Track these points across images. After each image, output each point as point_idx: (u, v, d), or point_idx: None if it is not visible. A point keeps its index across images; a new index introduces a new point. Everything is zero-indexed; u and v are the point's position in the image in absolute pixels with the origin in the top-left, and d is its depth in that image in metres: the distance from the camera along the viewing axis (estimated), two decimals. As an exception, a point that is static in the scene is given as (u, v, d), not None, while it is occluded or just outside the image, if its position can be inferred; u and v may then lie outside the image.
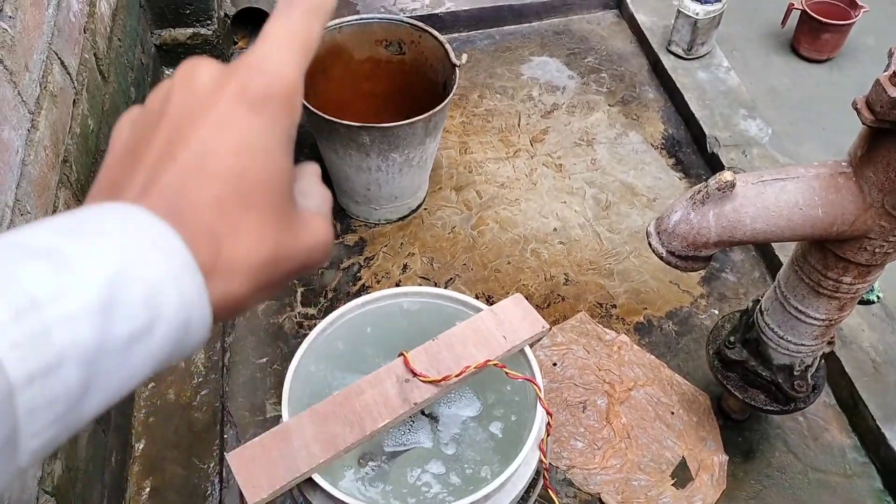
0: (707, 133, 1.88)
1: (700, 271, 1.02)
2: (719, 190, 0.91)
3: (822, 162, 0.96)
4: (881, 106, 0.83)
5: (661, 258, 0.99)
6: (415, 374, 0.98)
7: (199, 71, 0.34)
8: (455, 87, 1.55)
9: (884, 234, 0.94)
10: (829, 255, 1.01)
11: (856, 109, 0.86)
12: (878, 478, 1.38)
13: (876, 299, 1.53)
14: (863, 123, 0.86)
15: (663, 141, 1.97)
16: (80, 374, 0.27)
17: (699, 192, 0.94)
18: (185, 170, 0.31)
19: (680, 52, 2.06)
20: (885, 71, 0.83)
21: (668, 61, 2.07)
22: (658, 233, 0.99)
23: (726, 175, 0.91)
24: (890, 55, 0.86)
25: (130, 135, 0.35)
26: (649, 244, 1.00)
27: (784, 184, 0.93)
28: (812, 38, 2.25)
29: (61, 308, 0.26)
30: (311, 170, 0.41)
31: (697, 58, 2.06)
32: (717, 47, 2.10)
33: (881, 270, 1.03)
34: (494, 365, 0.99)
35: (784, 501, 1.35)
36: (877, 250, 0.96)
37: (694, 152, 1.93)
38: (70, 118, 1.25)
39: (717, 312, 1.61)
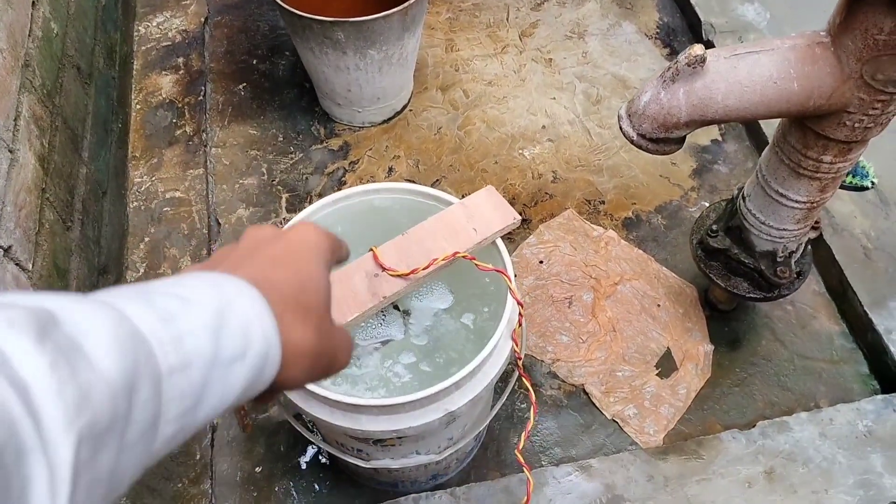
0: (702, 20, 1.80)
1: (671, 154, 0.99)
2: (689, 65, 0.87)
3: (799, 33, 0.91)
4: (857, -36, 0.77)
5: (631, 142, 0.96)
6: (384, 269, 0.97)
7: (263, 227, 0.49)
8: (432, -23, 1.48)
9: (863, 106, 0.90)
10: (808, 133, 0.98)
11: (832, -29, 0.80)
12: (864, 363, 1.38)
13: (870, 185, 1.49)
14: (839, -14, 0.80)
15: (658, 30, 1.89)
16: (201, 377, 0.34)
17: (669, 69, 0.90)
18: (262, 263, 0.44)
19: (676, -66, 1.95)
20: (864, -74, 0.78)
21: (663, -55, 1.96)
22: (629, 115, 0.95)
23: (696, 49, 0.87)
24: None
25: (214, 256, 0.47)
26: (620, 128, 0.97)
27: (758, 57, 0.89)
28: (817, -87, 2.12)
29: (189, 323, 0.35)
30: None
31: (694, -60, 1.95)
32: (716, -72, 1.99)
33: (863, 148, 1.00)
34: (463, 257, 0.98)
35: (768, 388, 1.36)
36: (856, 125, 0.92)
37: (689, 41, 1.86)
38: (30, 20, 1.21)
39: (707, 205, 1.58)
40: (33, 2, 1.24)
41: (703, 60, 0.87)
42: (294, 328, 0.41)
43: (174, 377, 0.33)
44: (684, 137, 0.97)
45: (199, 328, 0.35)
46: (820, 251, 1.46)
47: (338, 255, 0.52)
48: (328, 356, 0.44)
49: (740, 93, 0.89)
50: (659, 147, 0.96)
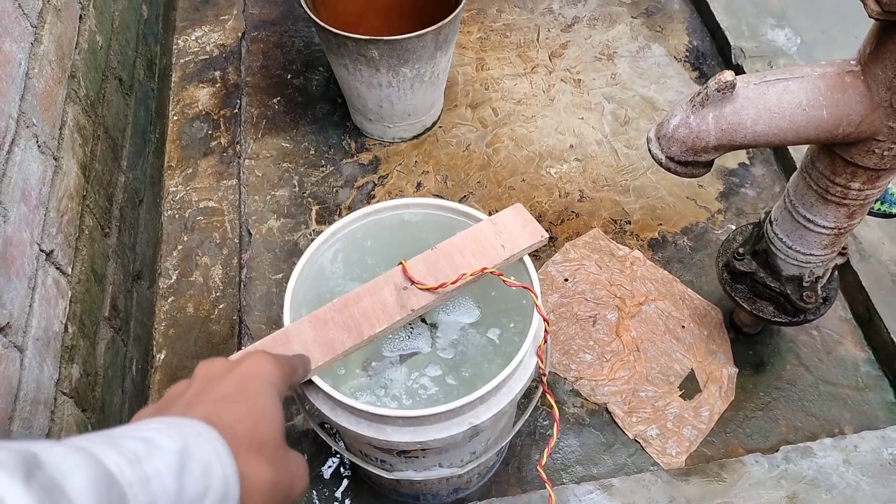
0: (732, 44, 1.81)
1: (700, 177, 1.00)
2: (719, 91, 0.89)
3: (829, 61, 0.92)
4: (888, -4, 0.78)
5: (660, 164, 0.97)
6: (412, 282, 0.99)
7: (214, 361, 0.51)
8: (465, -3, 1.51)
9: (892, 135, 0.90)
10: (836, 159, 0.99)
11: (862, 2, 0.81)
12: (890, 391, 1.37)
13: (899, 213, 1.49)
14: (869, 16, 0.82)
15: (687, 53, 1.91)
16: None
17: (699, 94, 0.91)
18: (216, 401, 0.46)
19: (707, -42, 1.96)
20: (896, -42, 0.79)
21: (694, -31, 1.98)
22: (658, 138, 0.97)
23: (726, 75, 0.88)
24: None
25: (167, 396, 0.50)
26: (649, 150, 0.99)
27: (787, 84, 0.90)
28: (850, -60, 2.12)
29: (154, 465, 0.37)
30: None
31: (726, -35, 1.97)
32: (748, -47, 2.00)
33: (892, 175, 1.00)
34: (491, 273, 0.99)
35: (793, 413, 1.35)
36: (885, 153, 0.93)
37: (719, 65, 1.87)
38: (76, 33, 1.26)
39: (734, 228, 1.58)
40: (81, 15, 1.29)
41: (733, 86, 0.88)
42: (250, 465, 0.44)
43: None
44: (712, 161, 0.98)
45: (164, 470, 0.37)
46: (847, 277, 1.45)
47: (293, 379, 0.54)
48: (285, 485, 0.47)
49: (769, 119, 0.90)
50: (687, 170, 0.97)
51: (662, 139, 0.96)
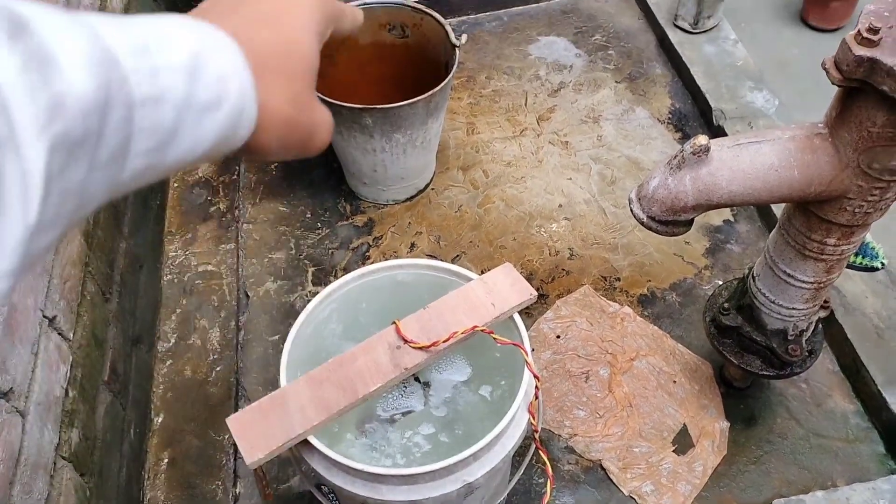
0: (713, 106, 1.89)
1: (680, 236, 1.04)
2: (694, 154, 0.93)
3: (798, 124, 0.98)
4: (847, 65, 0.84)
5: (642, 224, 1.02)
6: (406, 341, 1.02)
7: None
8: (455, 66, 1.58)
9: (862, 193, 0.95)
10: (811, 217, 1.03)
11: (825, 69, 0.87)
12: (880, 442, 1.39)
13: (881, 266, 1.53)
14: (832, 83, 0.87)
15: (670, 115, 1.98)
16: (173, 116, 0.33)
17: (675, 157, 0.96)
18: (249, 19, 0.41)
19: (686, 26, 2.06)
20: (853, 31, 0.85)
21: (674, 36, 2.07)
22: (639, 199, 1.01)
23: (700, 139, 0.93)
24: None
25: (201, 5, 0.44)
26: (631, 211, 1.03)
27: (759, 146, 0.95)
28: (821, 7, 2.23)
29: (165, 58, 0.33)
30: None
31: (704, 31, 2.06)
32: (725, 20, 2.10)
33: (865, 231, 1.04)
34: (482, 331, 1.02)
35: (785, 466, 1.36)
36: (856, 210, 0.97)
37: (700, 126, 1.94)
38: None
39: (720, 283, 1.62)
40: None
41: (707, 149, 0.93)
42: (272, 92, 0.40)
43: (147, 108, 0.32)
44: (692, 220, 1.03)
45: (175, 66, 0.33)
46: (832, 330, 1.48)
47: (338, 23, 0.48)
48: (305, 129, 0.43)
49: (744, 179, 0.95)
50: (668, 229, 1.01)
51: (643, 200, 1.00)
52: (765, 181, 0.95)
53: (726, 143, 0.96)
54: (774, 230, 1.15)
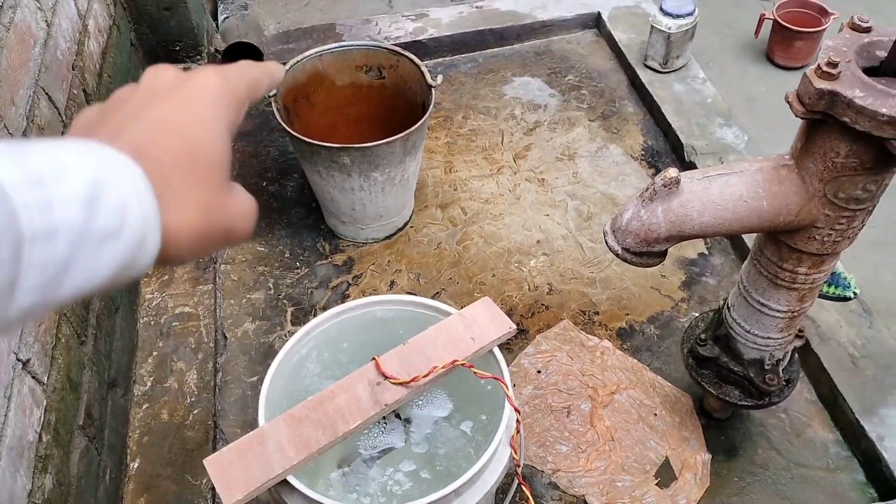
0: (684, 142, 1.93)
1: (655, 268, 1.05)
2: (665, 187, 0.95)
3: (766, 157, 1.00)
4: (809, 98, 0.87)
5: (617, 255, 1.03)
6: (386, 377, 1.02)
7: (165, 70, 0.44)
8: (431, 106, 1.61)
9: (829, 222, 0.97)
10: (782, 246, 1.05)
11: (788, 103, 0.90)
12: (860, 470, 1.39)
13: (853, 295, 1.55)
14: (795, 115, 0.90)
15: (643, 152, 2.01)
16: (66, 250, 0.32)
17: (647, 189, 0.98)
18: (149, 128, 0.39)
19: (656, 65, 2.11)
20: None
21: (645, 76, 2.12)
22: (613, 231, 1.03)
23: (671, 172, 0.95)
24: (822, 50, 0.91)
25: (97, 111, 0.42)
26: (606, 243, 1.04)
27: (728, 178, 0.97)
28: (785, 46, 2.30)
29: (61, 190, 0.31)
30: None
31: (674, 70, 2.11)
32: (693, 60, 2.15)
33: (835, 259, 1.07)
34: (462, 365, 1.02)
35: (768, 498, 1.36)
36: (825, 239, 1.00)
37: (673, 162, 1.97)
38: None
39: (697, 315, 1.64)
40: (62, 132, 1.35)
41: (677, 182, 0.95)
42: (178, 206, 0.38)
43: (37, 244, 0.30)
44: (666, 251, 1.04)
45: (71, 198, 0.32)
46: (809, 360, 1.50)
47: (255, 94, 0.46)
48: (220, 231, 0.41)
49: (714, 210, 0.97)
50: (642, 260, 1.03)
51: (617, 232, 1.02)
52: (734, 212, 0.97)
53: (696, 176, 0.99)
54: (747, 260, 1.17)
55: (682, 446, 1.43)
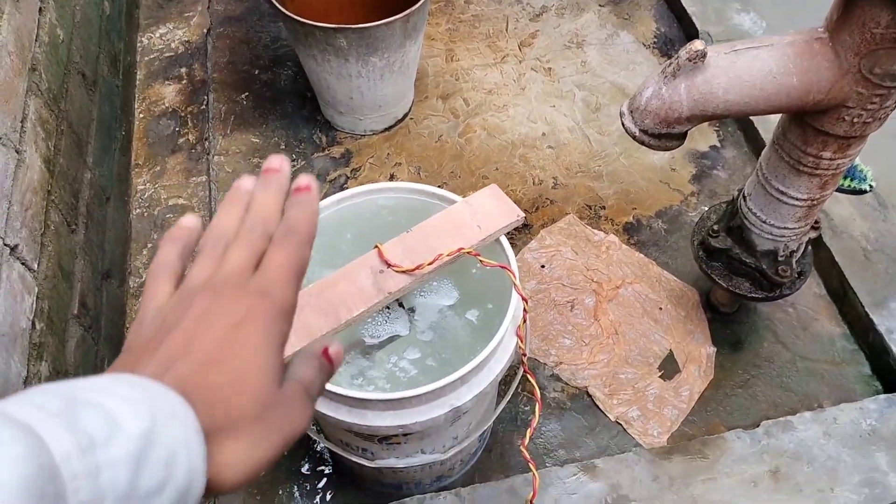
0: (699, 29, 1.83)
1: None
2: (690, 60, 0.89)
3: (798, 30, 0.93)
4: (854, -42, 0.79)
5: (633, 138, 0.97)
6: (389, 265, 0.98)
7: (219, 293, 0.41)
8: (433, -15, 1.50)
9: (861, 101, 0.91)
10: (807, 129, 0.99)
11: (829, -35, 0.82)
12: (866, 364, 1.39)
13: (868, 188, 1.51)
14: (836, -20, 0.82)
15: (655, 40, 1.92)
16: None
17: (670, 64, 0.91)
18: (198, 364, 0.38)
19: (672, -54, 1.98)
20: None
21: (659, -43, 1.99)
22: (631, 111, 0.97)
23: (696, 44, 0.88)
24: None
25: (150, 328, 0.41)
26: (623, 124, 0.98)
27: (757, 52, 0.90)
28: (811, -75, 2.15)
29: (110, 453, 0.31)
30: (311, 353, 0.46)
31: (690, -48, 1.98)
32: (712, -60, 2.02)
33: (862, 144, 1.01)
34: (468, 253, 0.98)
35: (772, 390, 1.36)
36: (855, 120, 0.94)
37: (686, 50, 1.88)
38: (36, 26, 1.23)
39: (709, 207, 1.59)
40: (40, 7, 1.25)
41: (703, 55, 0.88)
42: (227, 448, 0.37)
43: None
44: (685, 134, 0.98)
45: (120, 461, 0.32)
46: (820, 253, 1.46)
47: (298, 294, 0.44)
48: (271, 457, 0.40)
49: (740, 87, 0.90)
50: (661, 143, 0.97)
51: (636, 112, 0.95)
52: (762, 89, 0.91)
53: (723, 50, 0.92)
54: (767, 147, 1.11)
55: (686, 339, 1.42)
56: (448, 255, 0.97)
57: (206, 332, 0.39)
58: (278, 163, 0.47)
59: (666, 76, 0.91)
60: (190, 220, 0.48)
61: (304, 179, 0.46)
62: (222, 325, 0.39)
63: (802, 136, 1.01)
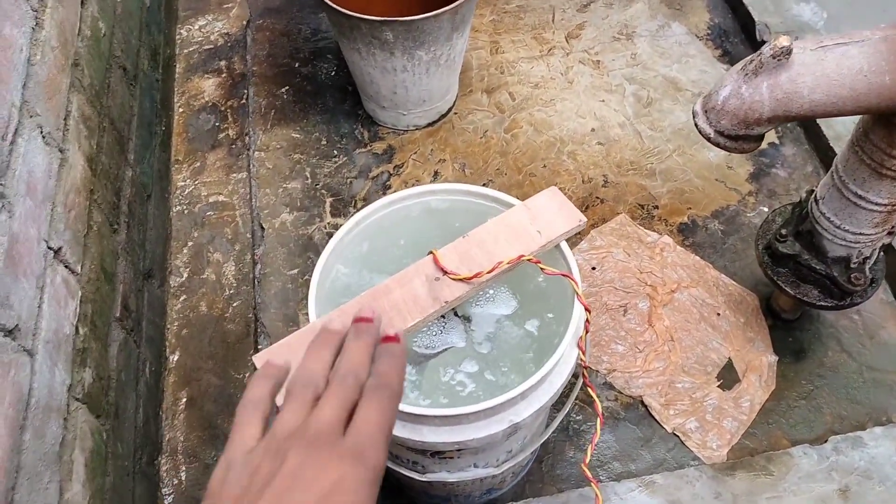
0: (756, 20, 1.75)
1: (749, 153, 0.94)
2: (774, 58, 0.82)
3: (892, 23, 0.86)
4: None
5: (708, 139, 0.91)
6: (445, 273, 0.93)
7: (313, 449, 0.40)
8: (482, -25, 1.45)
9: (960, 101, 0.84)
10: (894, 130, 0.92)
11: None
12: (938, 376, 1.31)
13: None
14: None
15: (709, 31, 1.84)
16: None
17: (751, 61, 0.85)
18: None
19: (727, -67, 1.90)
20: None
21: (713, -56, 1.91)
22: (705, 111, 0.91)
23: (782, 40, 0.82)
24: None
25: (241, 475, 0.40)
26: (696, 125, 0.92)
27: (847, 48, 0.84)
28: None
29: None
30: None
31: (746, -61, 1.90)
32: (769, -74, 1.93)
33: (954, 147, 0.94)
34: (528, 260, 0.93)
35: (837, 401, 1.29)
36: (951, 122, 0.87)
37: (742, 42, 1.80)
38: (79, 20, 1.19)
39: (766, 210, 1.52)
40: (82, 1, 1.22)
41: (789, 52, 0.82)
42: None
43: None
44: (763, 136, 0.92)
45: None
46: (889, 257, 1.39)
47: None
48: None
49: (828, 87, 0.84)
50: (738, 145, 0.91)
51: (710, 112, 0.89)
52: (851, 88, 0.84)
53: (809, 46, 0.85)
54: (845, 148, 1.04)
55: (746, 347, 1.35)
56: (508, 263, 0.92)
57: (300, 498, 0.39)
58: (371, 313, 0.49)
59: (746, 74, 0.85)
60: (280, 358, 0.48)
61: (393, 329, 0.48)
62: (315, 492, 0.39)
63: (888, 137, 0.94)
